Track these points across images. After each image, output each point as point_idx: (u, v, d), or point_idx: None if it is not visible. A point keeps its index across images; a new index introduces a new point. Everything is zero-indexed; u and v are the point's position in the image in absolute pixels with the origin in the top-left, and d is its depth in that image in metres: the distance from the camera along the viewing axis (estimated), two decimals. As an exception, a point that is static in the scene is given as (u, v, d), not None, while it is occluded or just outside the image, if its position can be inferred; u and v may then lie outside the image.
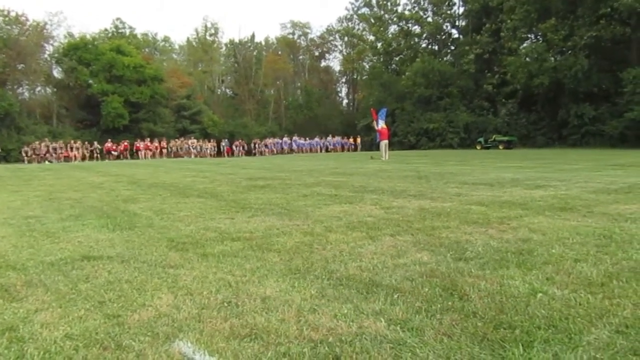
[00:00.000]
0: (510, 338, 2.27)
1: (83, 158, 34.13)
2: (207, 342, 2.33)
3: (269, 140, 44.29)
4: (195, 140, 40.96)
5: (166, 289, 3.14)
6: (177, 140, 41.36)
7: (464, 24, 50.76)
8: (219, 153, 40.49)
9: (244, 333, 2.42)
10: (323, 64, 70.20)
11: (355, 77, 66.27)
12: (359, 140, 45.87)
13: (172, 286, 3.21)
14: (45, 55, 46.12)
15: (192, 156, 37.15)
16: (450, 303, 2.76)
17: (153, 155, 36.82)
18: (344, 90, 72.45)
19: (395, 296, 2.89)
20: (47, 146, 33.46)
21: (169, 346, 2.30)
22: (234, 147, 41.52)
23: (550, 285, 3.01)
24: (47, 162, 30.99)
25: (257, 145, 42.54)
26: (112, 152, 35.99)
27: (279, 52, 65.89)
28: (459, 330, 2.39)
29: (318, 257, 3.87)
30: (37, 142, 33.80)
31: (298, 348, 2.24)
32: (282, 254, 3.99)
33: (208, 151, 39.61)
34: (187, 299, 2.95)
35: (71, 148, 34.22)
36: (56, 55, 45.43)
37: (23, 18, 42.56)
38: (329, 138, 45.97)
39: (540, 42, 39.58)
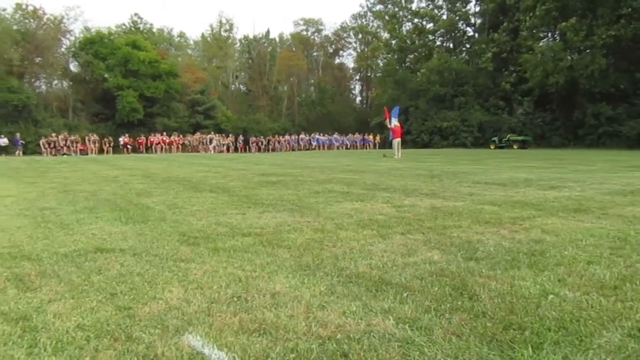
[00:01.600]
0: (519, 339, 2.26)
1: (100, 151, 34.51)
2: (216, 336, 2.35)
3: (288, 137, 44.10)
4: (216, 135, 40.80)
5: (177, 283, 3.17)
6: (194, 134, 41.38)
7: (479, 21, 50.31)
8: (236, 149, 40.47)
9: (252, 328, 2.44)
10: (337, 61, 70.05)
11: (368, 74, 66.08)
12: (378, 138, 45.37)
13: (182, 280, 3.24)
14: (62, 49, 46.68)
15: (213, 151, 37.13)
16: (459, 303, 2.75)
17: (169, 150, 37.09)
18: (357, 88, 72.29)
19: (405, 295, 2.89)
20: (65, 139, 33.91)
21: (178, 339, 2.32)
22: (250, 144, 41.43)
23: (562, 287, 2.99)
24: (64, 155, 31.45)
25: (270, 142, 42.43)
26: (128, 146, 36.33)
27: (293, 49, 65.85)
28: (468, 330, 2.38)
29: (328, 254, 3.88)
30: (54, 134, 34.26)
31: (306, 344, 2.25)
32: (292, 250, 4.00)
33: (227, 146, 39.44)
34: (197, 292, 2.97)
35: (88, 141, 34.58)
36: (73, 49, 45.94)
37: (41, 12, 43.10)
38: (349, 135, 45.78)
39: (558, 40, 39.07)
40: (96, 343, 2.29)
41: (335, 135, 45.42)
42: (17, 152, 31.69)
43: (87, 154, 32.65)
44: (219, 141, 39.38)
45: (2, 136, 32.30)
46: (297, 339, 2.31)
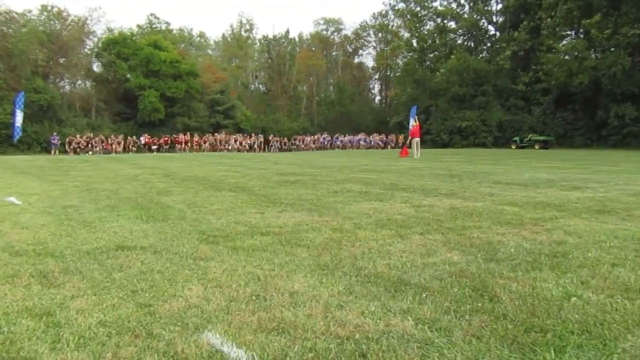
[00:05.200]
0: (541, 342, 2.22)
1: (124, 149, 34.99)
2: (235, 334, 2.36)
3: (313, 137, 43.62)
4: (240, 135, 40.54)
5: (196, 281, 3.20)
6: (217, 134, 41.39)
7: (501, 20, 49.64)
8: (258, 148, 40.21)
9: (271, 327, 2.45)
10: (356, 60, 69.84)
11: (388, 73, 65.72)
12: (401, 138, 44.43)
13: (202, 278, 3.26)
14: (86, 50, 47.35)
15: (235, 151, 37.14)
16: (480, 304, 2.72)
17: (192, 149, 37.22)
18: (376, 87, 71.94)
19: (424, 295, 2.87)
20: (89, 138, 34.53)
21: (197, 337, 2.34)
22: (272, 143, 41.21)
23: (585, 290, 2.93)
24: (89, 154, 32.16)
25: (292, 142, 42.03)
26: (153, 146, 36.57)
27: (313, 49, 65.85)
28: (489, 332, 2.35)
29: (347, 253, 3.87)
30: (78, 135, 34.96)
31: (324, 344, 2.25)
32: (310, 250, 4.01)
33: (251, 146, 39.16)
34: (216, 291, 2.99)
35: (111, 142, 35.08)
36: (96, 49, 46.60)
37: (65, 13, 43.75)
38: (373, 135, 45.37)
39: (582, 39, 38.35)
40: (117, 339, 2.32)
41: (361, 135, 44.94)
42: (52, 152, 32.78)
43: (110, 153, 33.21)
44: (240, 142, 39.32)
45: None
46: (316, 338, 2.31)
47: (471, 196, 7.33)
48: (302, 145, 41.94)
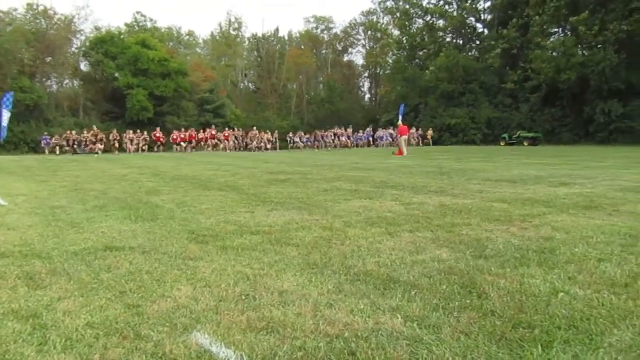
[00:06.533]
0: (529, 338, 2.24)
1: (136, 150, 33.85)
2: (224, 334, 2.35)
3: (339, 131, 41.50)
4: (263, 133, 38.96)
5: (185, 281, 3.19)
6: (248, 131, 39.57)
7: (489, 18, 49.89)
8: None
9: (260, 326, 2.44)
10: (346, 58, 69.85)
11: (378, 71, 65.85)
12: (430, 133, 42.23)
13: (191, 278, 3.25)
14: (73, 49, 46.85)
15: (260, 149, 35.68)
16: (468, 301, 2.73)
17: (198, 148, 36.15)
18: (366, 85, 72.02)
19: (413, 293, 2.88)
20: (95, 134, 33.57)
21: (186, 337, 2.33)
22: (295, 139, 39.77)
23: (573, 285, 2.96)
24: (96, 154, 31.22)
25: (313, 137, 40.33)
26: (181, 143, 35.17)
27: (302, 47, 65.76)
28: (477, 328, 2.36)
29: (336, 252, 3.88)
30: (75, 132, 33.99)
31: (314, 343, 2.25)
32: (300, 249, 4.01)
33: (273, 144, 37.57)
34: (205, 291, 2.98)
35: (114, 139, 33.79)
36: (83, 48, 46.13)
37: (51, 12, 43.26)
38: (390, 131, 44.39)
39: (570, 36, 38.66)
40: (105, 341, 2.31)
41: (383, 131, 43.74)
42: (46, 151, 32.13)
43: (109, 152, 32.37)
44: (267, 139, 37.65)
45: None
46: (305, 337, 2.31)
47: (460, 193, 7.37)
48: (337, 143, 39.67)
